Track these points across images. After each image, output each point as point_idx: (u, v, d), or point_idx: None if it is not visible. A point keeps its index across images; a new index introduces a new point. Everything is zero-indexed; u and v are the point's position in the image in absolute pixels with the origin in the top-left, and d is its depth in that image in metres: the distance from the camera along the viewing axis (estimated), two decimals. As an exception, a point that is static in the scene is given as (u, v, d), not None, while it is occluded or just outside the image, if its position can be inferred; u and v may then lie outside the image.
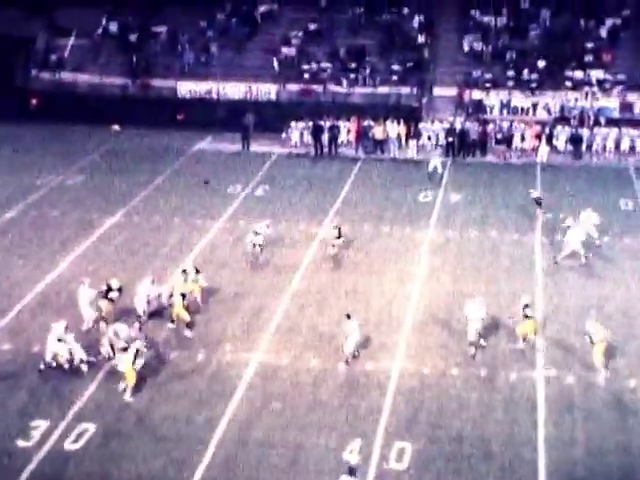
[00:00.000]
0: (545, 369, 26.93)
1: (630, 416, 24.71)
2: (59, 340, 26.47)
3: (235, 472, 22.85)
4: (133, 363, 25.55)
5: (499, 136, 48.03)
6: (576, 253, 33.17)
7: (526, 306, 27.74)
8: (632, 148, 47.61)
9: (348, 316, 27.54)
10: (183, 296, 28.88)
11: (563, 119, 49.33)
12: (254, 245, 33.50)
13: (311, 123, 48.88)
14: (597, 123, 48.69)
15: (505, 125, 48.55)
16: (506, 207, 39.86)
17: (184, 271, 30.31)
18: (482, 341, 28.01)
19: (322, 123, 48.58)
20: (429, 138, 49.09)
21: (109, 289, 29.03)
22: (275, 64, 53.96)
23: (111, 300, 28.89)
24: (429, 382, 26.50)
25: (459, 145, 47.30)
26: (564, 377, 26.54)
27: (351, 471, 21.25)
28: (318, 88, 52.46)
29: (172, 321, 29.10)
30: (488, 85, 51.35)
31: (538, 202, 37.16)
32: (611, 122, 48.57)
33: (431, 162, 43.44)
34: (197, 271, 30.35)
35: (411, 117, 49.14)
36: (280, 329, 29.43)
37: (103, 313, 28.67)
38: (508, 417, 24.82)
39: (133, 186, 43.11)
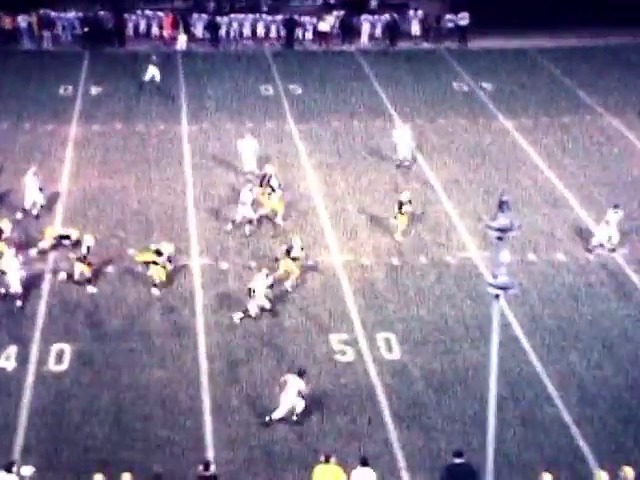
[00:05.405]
0: (200, 257, 27.35)
1: (279, 301, 25.81)
2: None
3: None
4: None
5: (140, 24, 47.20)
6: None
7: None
8: (267, 34, 48.44)
9: None
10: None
11: (199, 7, 49.14)
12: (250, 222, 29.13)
13: None
14: (233, 10, 49.00)
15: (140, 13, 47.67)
16: (150, 98, 39.31)
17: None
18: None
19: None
20: (64, 28, 47.08)
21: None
22: None
23: None
24: (81, 283, 26.01)
25: (95, 35, 45.77)
26: (219, 264, 27.10)
27: (300, 373, 20.95)
28: None
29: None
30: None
31: None
32: (245, 9, 49.05)
33: (149, 70, 40.89)
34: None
35: (44, 5, 46.72)
36: None
37: None
38: (164, 309, 25.06)
39: None
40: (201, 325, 24.42)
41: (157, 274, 25.70)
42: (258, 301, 24.54)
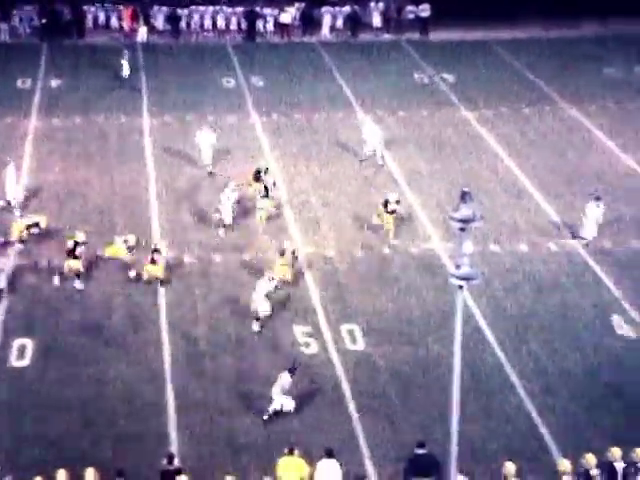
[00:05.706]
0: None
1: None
2: None
3: None
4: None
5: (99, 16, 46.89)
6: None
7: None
8: (227, 26, 48.22)
9: None
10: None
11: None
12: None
13: None
14: (193, 2, 48.76)
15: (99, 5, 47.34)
16: (111, 90, 39.04)
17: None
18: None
19: None
20: (21, 20, 46.59)
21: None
22: None
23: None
24: (45, 277, 25.82)
25: (54, 27, 45.32)
26: (182, 257, 26.98)
27: (291, 370, 20.73)
28: None
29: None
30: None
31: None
32: (205, 1, 48.79)
33: (124, 65, 40.48)
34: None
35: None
36: None
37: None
38: (130, 303, 24.96)
39: None
40: (164, 319, 24.31)
41: (154, 272, 25.48)
42: (259, 308, 24.03)
